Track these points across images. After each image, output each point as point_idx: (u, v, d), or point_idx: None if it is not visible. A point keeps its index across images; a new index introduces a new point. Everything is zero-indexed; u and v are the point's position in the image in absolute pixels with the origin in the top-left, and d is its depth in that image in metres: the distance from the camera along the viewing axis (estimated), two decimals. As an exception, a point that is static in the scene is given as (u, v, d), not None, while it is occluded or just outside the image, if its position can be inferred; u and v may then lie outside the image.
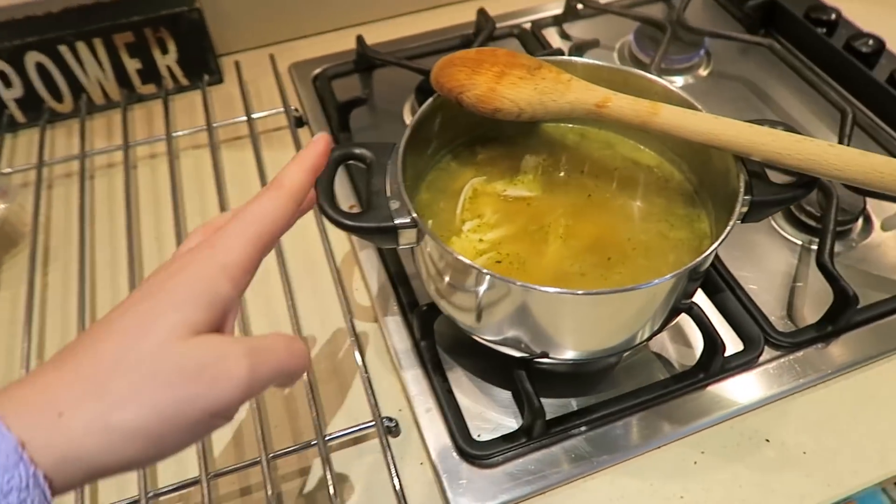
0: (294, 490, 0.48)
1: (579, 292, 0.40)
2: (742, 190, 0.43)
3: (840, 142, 0.62)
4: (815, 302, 0.56)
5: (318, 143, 0.38)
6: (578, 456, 0.47)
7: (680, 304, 0.47)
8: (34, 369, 0.29)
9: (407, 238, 0.44)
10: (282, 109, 0.71)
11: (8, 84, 0.69)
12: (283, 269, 0.58)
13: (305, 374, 0.50)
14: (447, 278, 0.45)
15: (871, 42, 0.71)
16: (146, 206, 0.65)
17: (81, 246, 0.60)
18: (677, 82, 0.76)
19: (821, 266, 0.53)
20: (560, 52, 0.73)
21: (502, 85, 0.47)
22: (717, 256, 0.58)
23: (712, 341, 0.49)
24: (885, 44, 0.71)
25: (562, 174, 0.53)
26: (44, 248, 0.63)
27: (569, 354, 0.46)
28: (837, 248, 0.59)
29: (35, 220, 0.62)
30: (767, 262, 0.59)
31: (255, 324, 0.56)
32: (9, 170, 0.68)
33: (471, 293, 0.44)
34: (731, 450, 0.48)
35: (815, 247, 0.57)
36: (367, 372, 0.51)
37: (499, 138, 0.55)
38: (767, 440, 0.48)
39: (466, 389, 0.51)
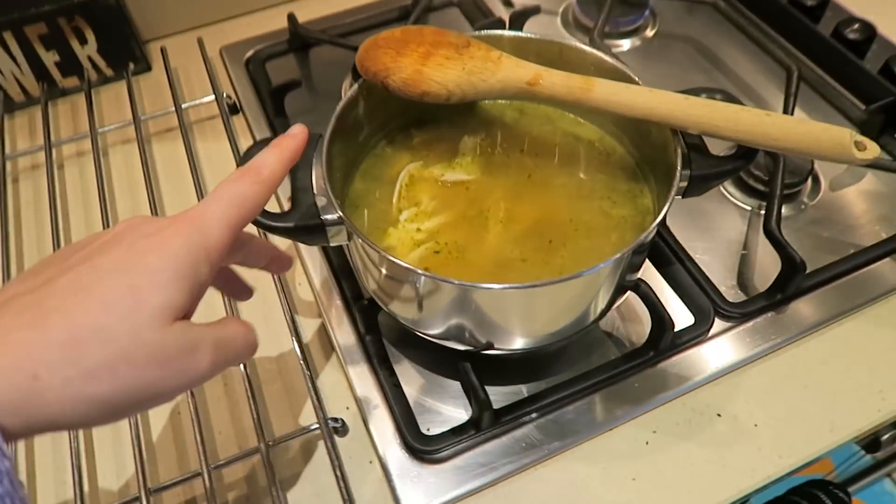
0: (240, 498, 0.46)
1: (518, 286, 0.38)
2: (679, 164, 0.42)
3: (786, 100, 0.61)
4: (765, 269, 0.55)
5: (298, 135, 0.38)
6: (529, 444, 0.46)
7: (625, 282, 0.46)
8: None
9: (338, 237, 0.42)
10: (213, 97, 0.67)
11: (-85, 86, 0.65)
12: (221, 267, 0.55)
13: (247, 377, 0.49)
14: (383, 277, 0.43)
15: (816, -6, 0.70)
16: (75, 208, 0.62)
17: (6, 256, 0.57)
18: (623, 46, 0.73)
19: (768, 233, 0.52)
20: (501, 22, 0.70)
21: (429, 66, 0.44)
22: (665, 227, 0.57)
23: (660, 318, 0.48)
24: (831, -4, 0.70)
25: (501, 154, 0.51)
26: (-33, 259, 0.59)
27: (515, 344, 0.45)
28: (787, 211, 0.58)
29: (-45, 230, 0.59)
30: (717, 229, 0.58)
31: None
32: (-76, 177, 0.64)
33: (409, 292, 0.42)
34: (682, 427, 0.47)
35: (764, 212, 0.56)
36: (309, 370, 0.49)
37: (435, 119, 0.52)
38: (719, 415, 0.48)
39: (414, 382, 0.50)
